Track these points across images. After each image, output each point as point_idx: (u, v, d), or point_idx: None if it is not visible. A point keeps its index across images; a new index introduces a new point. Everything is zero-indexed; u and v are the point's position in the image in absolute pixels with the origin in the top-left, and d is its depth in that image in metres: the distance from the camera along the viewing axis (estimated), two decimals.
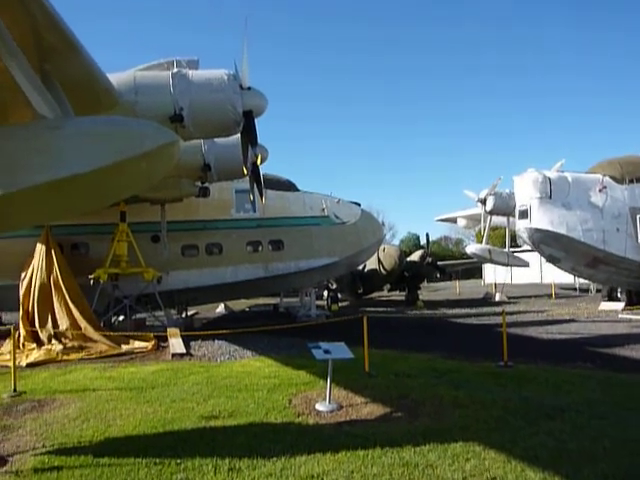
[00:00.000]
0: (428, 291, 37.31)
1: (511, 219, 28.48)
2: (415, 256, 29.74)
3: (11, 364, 9.19)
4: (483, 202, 27.80)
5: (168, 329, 14.04)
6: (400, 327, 17.75)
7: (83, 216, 14.05)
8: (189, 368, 10.17)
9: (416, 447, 5.51)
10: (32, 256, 14.43)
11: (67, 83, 7.70)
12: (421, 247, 40.19)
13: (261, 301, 28.04)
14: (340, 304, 25.75)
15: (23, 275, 14.34)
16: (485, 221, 29.27)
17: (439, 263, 31.53)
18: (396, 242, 63.46)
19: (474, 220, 34.37)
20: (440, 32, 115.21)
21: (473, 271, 52.29)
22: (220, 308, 24.69)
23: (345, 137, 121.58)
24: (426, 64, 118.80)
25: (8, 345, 12.66)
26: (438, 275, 32.03)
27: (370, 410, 7.13)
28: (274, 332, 13.34)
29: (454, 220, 37.92)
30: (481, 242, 30.72)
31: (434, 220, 41.16)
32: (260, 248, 18.23)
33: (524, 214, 19.57)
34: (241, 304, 26.72)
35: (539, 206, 19.18)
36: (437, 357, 11.12)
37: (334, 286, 25.89)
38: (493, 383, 8.59)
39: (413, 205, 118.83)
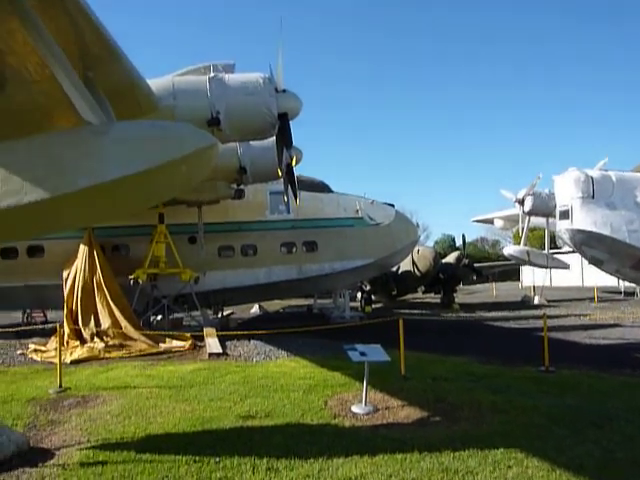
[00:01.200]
0: (464, 293, 36.66)
1: (551, 220, 27.70)
2: (451, 258, 29.30)
3: (57, 361, 9.56)
4: (521, 202, 27.14)
5: (205, 329, 14.28)
6: (436, 330, 17.50)
7: (123, 218, 14.49)
8: (225, 368, 10.31)
9: (455, 452, 5.41)
10: (74, 257, 14.96)
11: (109, 89, 7.95)
12: (456, 249, 39.61)
13: (294, 302, 28.18)
14: (374, 306, 25.62)
15: (66, 275, 14.88)
16: (523, 222, 28.57)
17: (475, 265, 30.95)
18: (430, 243, 62.70)
19: (511, 221, 33.57)
20: (482, 21, 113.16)
21: (510, 273, 51.04)
22: (254, 309, 24.97)
23: (378, 137, 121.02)
24: (462, 63, 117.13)
25: (53, 342, 13.18)
26: (474, 277, 31.39)
27: (407, 413, 7.05)
28: (308, 333, 13.37)
29: (491, 221, 37.16)
30: (519, 243, 30.02)
31: (470, 221, 40.52)
32: (294, 249, 18.34)
33: (565, 214, 18.91)
34: (275, 305, 26.93)
35: (581, 206, 18.48)
36: (474, 361, 10.90)
37: (368, 287, 25.78)
38: (534, 389, 8.36)
39: (448, 206, 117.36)
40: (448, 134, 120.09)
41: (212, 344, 12.70)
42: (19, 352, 12.98)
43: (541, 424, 6.41)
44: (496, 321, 19.70)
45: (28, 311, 19.73)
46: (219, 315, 19.16)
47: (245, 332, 12.89)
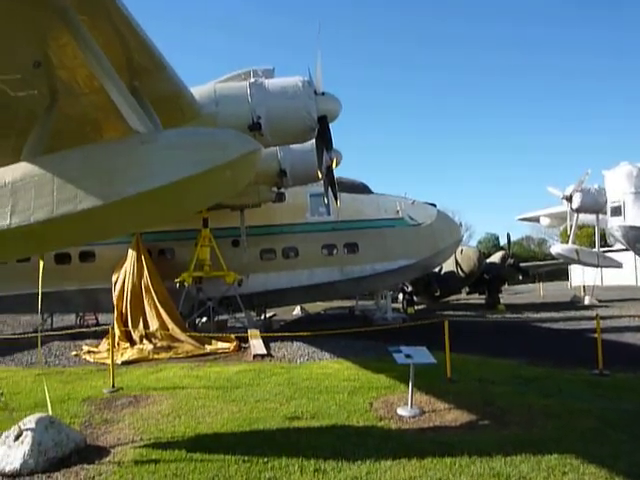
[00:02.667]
0: (509, 294, 35.64)
1: (601, 217, 26.64)
2: (495, 257, 28.57)
3: (109, 362, 9.92)
4: (569, 199, 26.19)
5: (249, 330, 14.48)
6: (481, 331, 17.11)
7: (170, 223, 14.93)
8: (270, 369, 10.42)
9: (506, 457, 5.27)
10: (123, 261, 15.50)
11: (154, 98, 8.21)
12: (500, 248, 38.51)
13: (336, 304, 28.17)
14: (416, 307, 25.29)
15: (115, 279, 15.44)
16: (571, 219, 27.56)
17: (521, 264, 30.06)
18: (473, 243, 61.46)
19: (559, 219, 32.46)
20: (516, 30, 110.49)
21: (558, 273, 49.29)
22: (296, 310, 25.12)
23: (418, 136, 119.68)
24: (502, 61, 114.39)
25: (105, 344, 13.70)
26: (520, 277, 30.49)
27: (454, 417, 6.92)
28: (350, 335, 13.33)
29: (537, 219, 36.04)
30: (567, 242, 28.95)
31: (515, 219, 39.41)
32: (335, 251, 18.34)
33: (617, 211, 18.23)
34: (317, 307, 27.00)
35: (634, 202, 17.77)
36: (523, 363, 10.60)
37: (410, 289, 25.47)
38: (587, 392, 8.04)
39: (491, 204, 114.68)
40: (490, 132, 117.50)
41: (257, 345, 12.86)
42: (73, 353, 13.54)
43: (596, 428, 6.16)
44: (544, 322, 19.04)
45: (81, 314, 20.57)
46: (262, 317, 19.40)
47: (288, 334, 12.98)
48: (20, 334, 16.66)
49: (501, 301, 26.86)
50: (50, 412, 6.23)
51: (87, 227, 5.81)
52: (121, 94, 6.38)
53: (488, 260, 28.04)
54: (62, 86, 7.69)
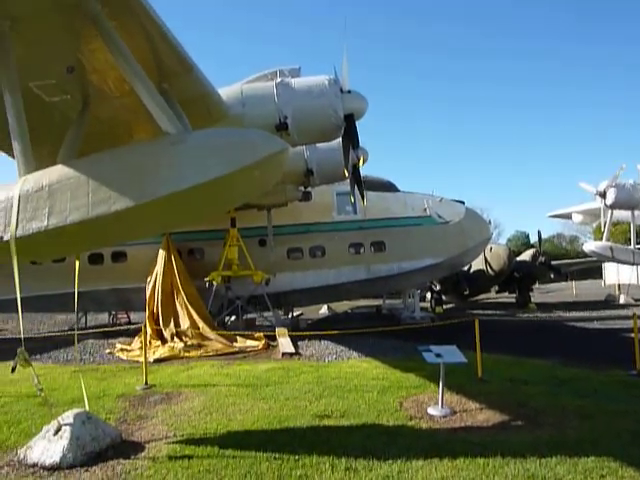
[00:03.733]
0: (540, 293, 34.88)
1: (636, 212, 25.82)
2: (526, 255, 27.99)
3: (142, 360, 10.13)
4: (603, 195, 25.41)
5: (277, 329, 14.57)
6: (512, 331, 16.80)
7: (199, 223, 15.16)
8: (299, 367, 10.45)
9: (541, 459, 5.16)
10: (155, 262, 15.79)
11: (183, 99, 8.35)
12: (531, 246, 37.80)
13: (363, 303, 28.09)
14: (444, 306, 25.00)
15: (148, 279, 15.76)
16: (605, 216, 26.74)
17: (553, 262, 29.36)
18: (502, 241, 60.38)
19: (592, 215, 31.52)
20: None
21: (591, 271, 47.83)
22: (323, 309, 25.13)
23: (445, 133, 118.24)
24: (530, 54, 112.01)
25: (137, 342, 13.98)
26: (552, 276, 29.75)
27: (486, 417, 6.82)
28: (378, 334, 13.28)
29: (568, 216, 35.07)
30: (601, 239, 28.12)
31: (546, 216, 38.51)
32: (362, 250, 18.27)
33: None
34: (343, 305, 26.97)
35: None
36: (556, 363, 10.36)
37: (438, 287, 25.18)
38: (624, 394, 7.82)
39: (521, 201, 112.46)
40: (520, 125, 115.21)
41: (285, 344, 12.94)
42: (107, 351, 13.86)
43: (634, 431, 5.98)
44: (578, 321, 18.58)
45: (113, 313, 21.06)
46: (289, 316, 19.48)
47: (316, 332, 13.01)
48: (56, 332, 17.16)
49: (532, 300, 26.33)
50: (87, 408, 6.39)
51: (121, 227, 5.94)
52: (151, 96, 6.50)
53: (518, 258, 27.50)
54: (94, 90, 7.89)
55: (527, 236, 63.79)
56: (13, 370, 5.54)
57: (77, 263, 7.02)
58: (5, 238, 5.64)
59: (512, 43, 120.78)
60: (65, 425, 5.62)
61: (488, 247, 23.88)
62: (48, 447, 5.50)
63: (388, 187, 19.01)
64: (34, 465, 5.39)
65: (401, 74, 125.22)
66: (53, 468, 5.28)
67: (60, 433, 5.58)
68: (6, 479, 5.13)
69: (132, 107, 8.18)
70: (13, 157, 6.55)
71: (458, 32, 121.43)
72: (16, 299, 5.58)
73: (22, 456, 5.61)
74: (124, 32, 6.56)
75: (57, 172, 6.00)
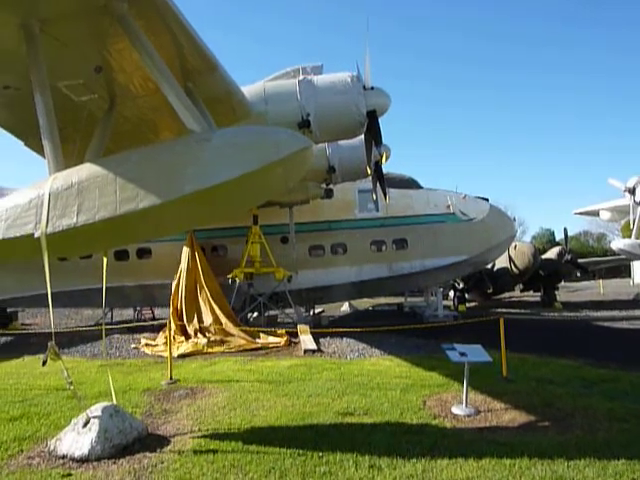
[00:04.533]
0: (566, 292, 34.21)
1: None
2: (551, 253, 27.44)
3: (166, 355, 10.28)
4: (632, 192, 24.73)
5: (299, 326, 14.61)
6: (537, 330, 16.50)
7: (221, 220, 15.29)
8: (321, 364, 10.46)
9: (570, 461, 5.06)
10: (179, 258, 15.99)
11: (207, 98, 8.43)
12: (556, 243, 37.02)
13: (384, 300, 27.97)
14: (467, 304, 24.71)
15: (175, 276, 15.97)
16: (635, 213, 25.98)
17: (579, 260, 28.74)
18: (527, 238, 59.40)
19: (620, 212, 30.66)
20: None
21: (619, 269, 46.87)
22: (345, 306, 25.10)
23: (468, 129, 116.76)
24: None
25: (162, 337, 14.20)
26: (578, 274, 29.14)
27: (511, 417, 6.72)
28: (401, 332, 13.21)
29: (596, 213, 34.21)
30: (629, 236, 27.37)
31: (572, 214, 37.69)
32: (384, 247, 18.18)
33: None
34: (365, 303, 26.91)
35: None
36: (584, 364, 10.15)
37: (461, 285, 24.91)
38: None
39: (546, 198, 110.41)
40: (544, 123, 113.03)
41: (307, 341, 12.96)
42: (132, 346, 14.11)
43: None
44: (605, 321, 18.15)
45: (138, 308, 21.41)
46: (311, 313, 19.52)
47: (338, 329, 12.99)
48: (83, 327, 17.53)
49: (558, 299, 25.82)
50: (114, 401, 6.52)
51: (147, 224, 6.02)
52: (177, 95, 6.56)
53: (544, 256, 26.99)
54: (120, 89, 8.03)
55: (552, 233, 62.61)
56: (44, 363, 5.67)
57: (105, 260, 7.15)
58: (36, 235, 5.77)
59: (536, 30, 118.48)
60: (93, 418, 5.74)
61: (512, 245, 23.51)
62: (77, 439, 5.63)
63: (410, 184, 18.87)
64: (64, 456, 5.52)
65: (422, 66, 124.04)
66: (82, 460, 5.40)
67: (89, 426, 5.70)
68: (37, 469, 5.25)
69: (157, 106, 8.30)
70: (43, 156, 6.70)
71: (478, 20, 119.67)
72: (45, 294, 5.72)
73: (52, 447, 5.75)
74: (150, 32, 6.65)
75: (85, 170, 6.11)
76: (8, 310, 19.89)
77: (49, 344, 5.58)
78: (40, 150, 8.00)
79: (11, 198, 6.26)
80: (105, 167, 6.07)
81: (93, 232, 5.85)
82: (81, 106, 8.11)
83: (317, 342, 13.11)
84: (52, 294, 5.74)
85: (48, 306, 5.97)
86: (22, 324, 20.76)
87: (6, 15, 6.09)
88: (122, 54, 7.17)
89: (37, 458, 5.56)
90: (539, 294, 27.11)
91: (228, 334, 13.96)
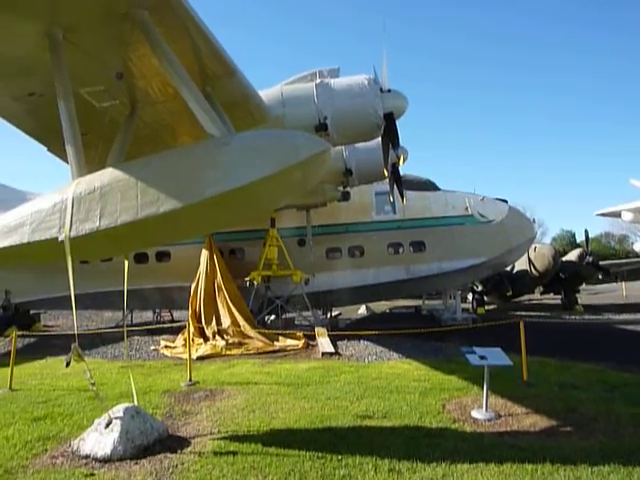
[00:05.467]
0: (587, 294, 33.59)
1: None
2: (572, 255, 26.99)
3: (185, 357, 10.38)
4: None
5: (316, 328, 14.62)
6: (558, 333, 16.24)
7: (240, 224, 15.41)
8: (339, 367, 10.45)
9: (593, 467, 4.98)
10: (197, 261, 16.14)
11: (225, 102, 8.51)
12: (577, 245, 36.43)
13: (402, 303, 27.81)
14: (486, 307, 24.44)
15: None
16: None
17: (601, 263, 28.22)
18: (547, 240, 58.58)
19: None
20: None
21: None
22: (362, 309, 25.04)
23: (487, 130, 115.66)
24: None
25: (180, 339, 14.35)
26: (600, 276, 28.60)
27: (533, 422, 6.63)
28: (418, 335, 13.13)
29: (618, 214, 33.48)
30: None
31: (593, 215, 36.97)
32: (401, 250, 18.10)
33: None
34: (382, 305, 26.79)
35: None
36: (607, 368, 9.95)
37: (480, 288, 24.65)
38: None
39: (566, 199, 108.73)
40: (564, 122, 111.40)
41: (324, 344, 12.96)
42: (152, 348, 14.28)
43: None
44: (628, 324, 17.79)
45: (157, 310, 21.66)
46: (328, 315, 19.52)
47: (355, 332, 12.97)
48: (104, 329, 17.80)
49: (579, 302, 25.40)
50: (136, 402, 6.60)
51: (168, 228, 6.10)
52: (196, 100, 6.64)
53: (564, 258, 26.58)
54: (141, 95, 8.16)
55: (573, 235, 61.66)
56: (67, 365, 5.77)
57: (126, 263, 7.26)
58: (60, 238, 5.88)
59: (555, 32, 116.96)
60: (115, 419, 5.83)
61: (532, 247, 23.19)
62: (100, 439, 5.72)
63: (428, 186, 18.75)
64: (86, 456, 5.62)
65: (437, 64, 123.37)
66: (104, 460, 5.48)
67: (111, 426, 5.79)
68: (61, 469, 5.35)
69: (177, 110, 8.41)
70: (66, 161, 6.84)
71: (489, 19, 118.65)
72: (66, 296, 5.82)
73: (75, 447, 5.86)
74: (170, 38, 6.74)
75: (107, 175, 6.22)
76: (31, 312, 20.33)
77: (72, 346, 5.69)
78: (63, 155, 8.15)
79: (36, 203, 6.39)
80: (126, 172, 6.16)
81: (115, 236, 5.94)
82: (102, 112, 8.26)
83: (335, 345, 13.10)
84: (74, 296, 5.84)
85: (70, 308, 6.07)
86: (44, 326, 21.17)
87: (31, 24, 6.24)
88: (143, 60, 7.29)
89: (61, 458, 5.66)
90: (559, 297, 26.69)
91: (246, 336, 14.04)
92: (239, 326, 14.33)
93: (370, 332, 12.44)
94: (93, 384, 5.81)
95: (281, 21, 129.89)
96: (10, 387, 9.20)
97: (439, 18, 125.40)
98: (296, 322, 17.75)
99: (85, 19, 6.32)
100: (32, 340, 16.85)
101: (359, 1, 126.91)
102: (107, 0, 6.08)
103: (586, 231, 29.44)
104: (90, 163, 6.88)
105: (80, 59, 6.90)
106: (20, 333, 10.90)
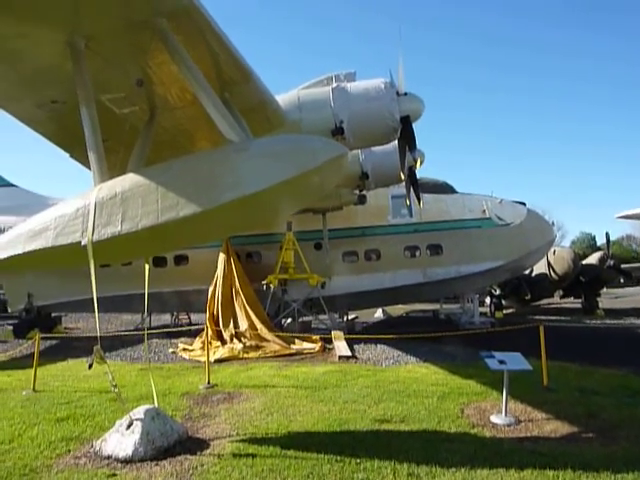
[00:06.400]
0: (608, 298, 32.96)
1: None
2: (593, 259, 26.57)
3: (203, 359, 10.46)
4: None
5: (333, 332, 14.62)
6: (579, 338, 16.01)
7: (258, 228, 15.52)
8: (357, 371, 10.44)
9: (616, 474, 4.91)
10: (214, 265, 16.27)
11: (243, 108, 8.60)
12: (597, 248, 35.81)
13: (419, 307, 27.64)
14: (504, 311, 24.17)
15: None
16: None
17: (622, 266, 27.72)
18: (566, 243, 57.60)
19: None
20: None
21: None
22: (378, 313, 24.95)
23: (504, 132, 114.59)
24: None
25: (198, 342, 14.46)
26: (621, 280, 28.09)
27: (553, 427, 6.55)
28: (436, 339, 13.05)
29: (639, 217, 33.00)
30: None
31: (614, 217, 36.33)
32: (418, 253, 18.02)
33: None
34: (398, 309, 26.67)
35: None
36: (629, 373, 9.79)
37: (498, 292, 24.39)
38: None
39: (586, 202, 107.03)
40: (583, 124, 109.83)
41: (341, 347, 12.96)
42: (170, 350, 14.42)
43: None
44: None
45: (175, 313, 21.87)
46: (344, 319, 19.50)
47: (372, 336, 12.93)
48: (124, 332, 18.03)
49: (600, 306, 24.96)
50: (156, 404, 6.69)
51: (188, 232, 6.19)
52: (215, 106, 6.73)
53: (584, 261, 26.19)
54: (160, 101, 8.28)
55: (593, 238, 60.65)
56: (90, 366, 5.87)
57: (147, 267, 7.37)
58: (83, 243, 6.00)
59: (578, 38, 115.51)
60: (136, 420, 5.91)
61: (551, 250, 22.89)
62: (121, 440, 5.81)
63: (445, 189, 18.66)
64: (108, 457, 5.71)
65: (458, 66, 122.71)
66: (126, 460, 5.57)
67: (132, 428, 5.88)
68: (84, 469, 5.45)
69: (195, 116, 8.52)
70: (88, 167, 6.98)
71: (524, 25, 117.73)
72: (86, 300, 5.93)
73: (98, 448, 5.95)
74: (189, 45, 6.85)
75: (129, 180, 6.33)
76: (52, 315, 20.71)
77: (95, 348, 5.79)
78: (85, 161, 8.32)
79: (59, 207, 6.54)
80: (147, 177, 6.27)
81: (136, 240, 6.04)
82: (123, 118, 8.41)
83: (351, 348, 13.08)
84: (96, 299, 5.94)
85: (91, 311, 6.19)
86: (65, 328, 21.54)
87: (54, 33, 6.39)
88: (162, 67, 7.40)
89: (84, 458, 5.77)
90: (580, 301, 26.28)
91: (263, 339, 14.10)
92: (256, 329, 14.40)
93: (387, 336, 12.38)
94: (115, 386, 5.91)
95: (283, 22, 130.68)
96: (34, 388, 9.39)
97: (451, 20, 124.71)
98: (313, 325, 17.78)
99: (106, 28, 6.45)
100: (54, 342, 17.14)
101: (360, 2, 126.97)
102: (128, 9, 6.19)
103: (607, 234, 28.96)
104: (111, 169, 7.01)
105: (101, 67, 7.04)
106: (42, 335, 11.09)
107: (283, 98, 10.36)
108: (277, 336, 14.15)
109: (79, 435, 6.58)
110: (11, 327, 19.53)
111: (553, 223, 22.14)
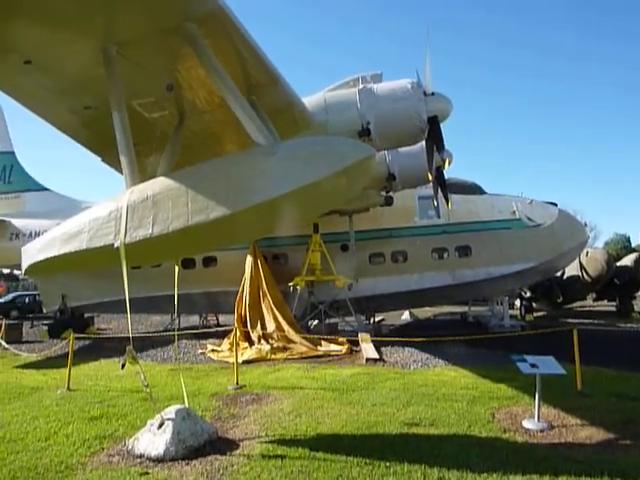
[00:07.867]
0: None
1: None
2: (628, 260, 25.73)
3: (231, 360, 10.56)
4: None
5: (359, 334, 14.54)
6: (613, 342, 15.52)
7: (286, 230, 15.56)
8: (384, 374, 10.37)
9: None
10: (242, 266, 16.41)
11: (270, 110, 8.66)
12: (632, 250, 34.70)
13: (446, 309, 27.30)
14: (535, 314, 23.63)
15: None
16: None
17: None
18: (599, 245, 56.02)
19: None
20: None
21: None
22: (405, 315, 24.73)
23: (535, 132, 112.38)
24: None
25: (226, 343, 14.61)
26: None
27: (588, 434, 6.36)
28: (465, 342, 12.84)
29: None
30: None
31: None
32: (446, 255, 17.79)
33: None
34: (426, 312, 26.38)
35: None
36: None
37: (528, 294, 23.87)
38: None
39: (620, 202, 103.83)
40: (613, 123, 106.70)
41: (368, 349, 12.89)
42: (199, 351, 14.61)
43: None
44: None
45: (204, 315, 22.17)
46: (371, 321, 19.40)
47: (399, 339, 12.82)
48: (154, 333, 18.37)
49: (635, 309, 24.17)
50: (187, 405, 6.77)
51: (217, 234, 6.26)
52: (243, 109, 6.80)
53: (619, 263, 25.39)
54: (189, 105, 8.42)
55: (628, 239, 58.70)
56: (123, 366, 5.99)
57: (177, 268, 7.49)
58: (116, 245, 6.14)
59: (606, 45, 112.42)
60: (168, 420, 6.00)
61: (584, 251, 22.28)
62: (153, 440, 5.91)
63: (474, 189, 18.39)
64: (141, 455, 5.82)
65: (485, 69, 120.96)
66: (157, 459, 5.66)
67: (163, 427, 5.97)
68: (117, 467, 5.56)
69: (223, 119, 8.63)
70: (120, 171, 7.14)
71: (548, 30, 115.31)
72: (117, 301, 6.05)
73: (130, 446, 6.07)
74: (217, 49, 6.94)
75: (159, 183, 6.45)
76: (85, 315, 21.25)
77: (127, 348, 5.91)
78: (117, 165, 8.52)
79: (93, 211, 6.71)
80: (177, 180, 6.38)
81: (167, 242, 6.15)
82: (153, 123, 8.58)
83: (378, 351, 13.00)
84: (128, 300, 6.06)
85: (122, 312, 6.34)
86: (97, 329, 22.08)
87: (88, 41, 6.56)
88: (191, 71, 7.52)
89: (117, 456, 5.88)
90: (614, 304, 25.49)
91: (290, 341, 14.15)
92: (283, 331, 14.46)
93: (415, 339, 12.24)
94: (147, 386, 6.01)
95: (310, 22, 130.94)
96: (68, 387, 9.64)
97: (477, 24, 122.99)
98: (339, 327, 17.73)
99: (138, 34, 6.59)
100: (87, 342, 17.57)
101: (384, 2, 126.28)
102: (159, 15, 6.31)
103: None
104: (141, 172, 7.16)
105: (132, 72, 7.20)
106: (75, 336, 11.37)
107: (309, 100, 10.39)
108: (304, 338, 14.19)
109: (112, 433, 6.72)
110: (46, 327, 20.14)
111: (585, 224, 21.54)
